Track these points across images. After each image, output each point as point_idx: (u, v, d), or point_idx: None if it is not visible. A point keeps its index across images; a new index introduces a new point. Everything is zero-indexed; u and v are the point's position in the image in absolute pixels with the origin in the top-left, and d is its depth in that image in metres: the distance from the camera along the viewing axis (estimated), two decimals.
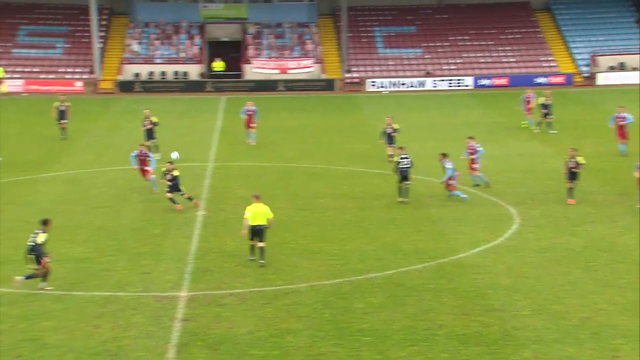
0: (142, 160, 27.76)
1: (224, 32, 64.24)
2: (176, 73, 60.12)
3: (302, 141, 38.81)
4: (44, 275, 18.43)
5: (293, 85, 58.80)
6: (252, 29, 62.97)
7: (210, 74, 60.64)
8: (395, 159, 26.93)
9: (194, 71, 60.39)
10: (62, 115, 37.77)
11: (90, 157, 34.55)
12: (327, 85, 59.20)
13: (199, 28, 63.53)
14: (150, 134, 33.43)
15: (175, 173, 25.25)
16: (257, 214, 20.40)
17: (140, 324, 16.82)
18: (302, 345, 15.92)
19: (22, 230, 23.22)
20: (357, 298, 18.36)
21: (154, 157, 28.74)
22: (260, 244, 20.45)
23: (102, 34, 61.72)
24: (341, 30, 61.39)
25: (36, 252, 18.26)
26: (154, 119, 33.48)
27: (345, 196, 27.83)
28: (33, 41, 61.49)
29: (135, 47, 61.41)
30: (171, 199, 25.41)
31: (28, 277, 18.31)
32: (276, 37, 62.57)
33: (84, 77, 58.78)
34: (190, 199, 25.65)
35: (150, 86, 58.61)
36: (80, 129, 41.43)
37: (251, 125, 36.84)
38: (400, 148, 27.43)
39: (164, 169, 25.94)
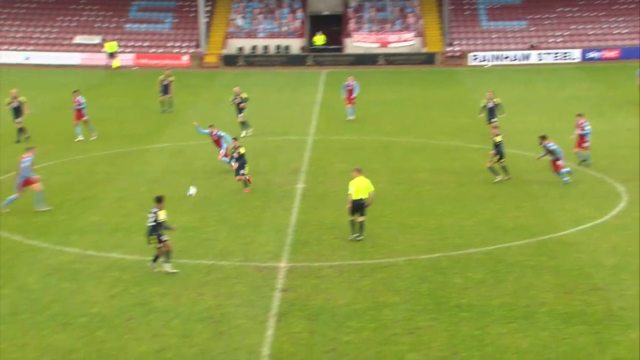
0: (216, 141, 27.46)
1: (326, 6, 64.11)
2: (278, 47, 60.52)
3: (402, 115, 38.46)
4: (167, 254, 18.01)
5: (393, 59, 58.26)
6: (353, 3, 62.63)
7: (311, 47, 60.75)
8: (497, 139, 25.72)
9: (295, 45, 60.65)
10: (165, 89, 38.60)
11: (195, 130, 35.27)
12: (428, 58, 58.37)
13: (301, 2, 63.65)
14: (239, 110, 33.56)
15: (242, 151, 24.72)
16: (360, 187, 20.11)
17: (242, 292, 17.14)
18: (400, 319, 15.86)
19: (132, 200, 24.08)
20: (456, 273, 18.13)
21: (242, 135, 28.67)
22: (361, 218, 20.36)
23: (208, 8, 62.69)
24: (443, 3, 60.27)
25: (158, 232, 17.84)
26: (244, 95, 33.67)
27: (444, 171, 27.46)
28: (144, 16, 63.14)
29: (239, 21, 62.15)
30: (240, 176, 24.78)
31: (155, 259, 18.06)
32: (377, 10, 62.04)
33: (190, 51, 59.97)
34: (246, 183, 24.84)
35: (253, 60, 59.27)
36: (186, 102, 42.33)
37: (351, 101, 36.72)
38: (495, 127, 26.67)
39: (231, 146, 25.50)
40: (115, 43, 57.83)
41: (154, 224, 17.80)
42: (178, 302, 16.59)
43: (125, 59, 58.37)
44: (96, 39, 60.38)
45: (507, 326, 15.44)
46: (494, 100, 32.13)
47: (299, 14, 62.45)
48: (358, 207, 20.19)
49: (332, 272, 18.30)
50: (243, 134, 32.69)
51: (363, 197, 20.20)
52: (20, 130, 32.21)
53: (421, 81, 50.56)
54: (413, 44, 59.48)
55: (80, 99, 32.64)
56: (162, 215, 17.82)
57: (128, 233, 20.85)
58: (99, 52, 58.68)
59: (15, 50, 58.43)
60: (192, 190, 23.76)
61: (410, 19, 60.94)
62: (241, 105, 33.28)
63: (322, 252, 19.63)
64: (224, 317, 15.95)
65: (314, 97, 44.38)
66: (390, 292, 17.16)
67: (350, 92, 36.72)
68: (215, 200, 24.14)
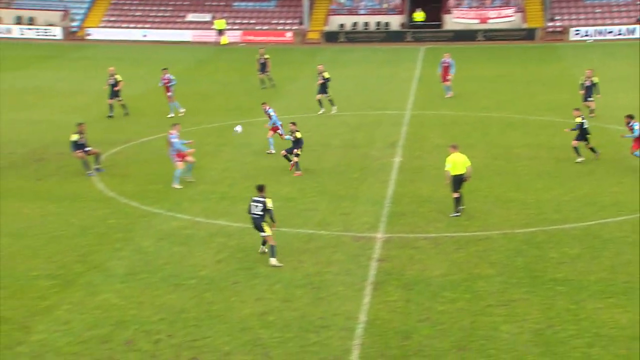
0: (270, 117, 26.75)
1: None
2: (378, 24, 60.11)
3: (499, 91, 37.63)
4: (272, 248, 17.14)
5: (492, 35, 56.90)
6: None
7: (410, 24, 60.03)
8: (577, 120, 24.71)
9: (395, 22, 60.08)
10: (263, 67, 38.71)
11: (297, 104, 35.61)
12: (528, 34, 56.70)
13: None
14: (323, 89, 33.42)
15: (298, 135, 24.05)
16: (457, 163, 19.86)
17: (340, 261, 17.32)
18: (494, 291, 15.69)
19: (237, 170, 24.61)
20: (552, 248, 17.75)
21: (325, 111, 28.38)
22: (456, 194, 20.00)
23: None
24: None
25: (263, 220, 17.09)
26: (326, 75, 33.43)
27: (541, 146, 26.77)
28: None
29: None
30: (285, 157, 24.31)
31: (272, 252, 17.13)
32: None
33: (294, 28, 60.33)
34: (297, 166, 23.87)
35: (354, 36, 59.09)
36: (288, 76, 42.74)
37: (447, 78, 36.11)
38: (577, 109, 25.57)
39: (288, 130, 24.86)
40: (223, 21, 58.75)
41: (262, 213, 17.07)
42: (280, 268, 16.92)
43: (232, 36, 59.30)
44: (206, 17, 61.58)
45: (605, 301, 15.05)
46: (592, 79, 30.92)
47: None
48: (457, 182, 19.95)
49: (427, 244, 18.24)
50: (334, 110, 32.78)
51: (461, 172, 19.96)
52: (112, 107, 32.30)
53: (520, 57, 49.21)
54: (513, 20, 57.88)
55: (170, 76, 32.96)
56: (269, 203, 17.16)
57: (233, 202, 21.35)
58: (209, 29, 59.86)
59: (134, 28, 60.33)
60: (238, 128, 24.83)
61: None
62: (323, 83, 33.14)
63: (418, 224, 19.57)
64: (323, 283, 16.18)
65: (412, 72, 43.94)
66: (485, 264, 16.98)
67: (446, 69, 36.05)
68: (316, 172, 24.35)
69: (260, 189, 17.44)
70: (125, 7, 62.61)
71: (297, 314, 14.84)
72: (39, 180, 23.10)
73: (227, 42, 57.80)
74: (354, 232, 19.08)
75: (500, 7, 58.62)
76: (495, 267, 16.82)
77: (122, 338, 13.91)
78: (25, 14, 60.82)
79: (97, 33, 59.40)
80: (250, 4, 63.12)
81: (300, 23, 60.64)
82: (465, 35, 56.93)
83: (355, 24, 60.31)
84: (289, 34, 59.42)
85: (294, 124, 24.45)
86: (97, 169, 24.10)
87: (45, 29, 59.27)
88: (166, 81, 33.05)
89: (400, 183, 23.11)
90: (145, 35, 59.43)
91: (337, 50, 54.13)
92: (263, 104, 27.32)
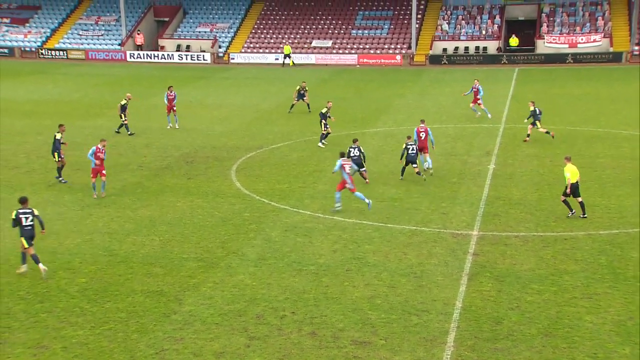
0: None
1: (521, 12, 61.20)
2: (477, 48, 58.66)
3: (586, 107, 35.83)
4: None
5: (581, 58, 54.34)
6: (547, 8, 59.18)
7: (506, 48, 58.27)
8: None
9: (492, 46, 58.46)
10: (301, 96, 36.61)
11: (404, 117, 35.26)
12: (614, 57, 53.77)
13: (500, 9, 61.23)
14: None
15: (356, 153, 22.11)
16: (574, 173, 18.98)
17: (439, 254, 16.97)
18: (579, 285, 14.92)
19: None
20: (634, 248, 16.71)
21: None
22: (579, 199, 19.16)
23: (419, 16, 62.22)
24: (632, 7, 55.09)
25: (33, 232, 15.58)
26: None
27: (625, 157, 25.27)
28: (366, 24, 63.89)
29: (445, 26, 60.98)
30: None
31: (29, 260, 15.72)
32: (568, 15, 58.10)
33: (402, 52, 59.82)
34: (364, 176, 22.82)
35: (455, 59, 57.95)
36: (397, 94, 42.41)
37: (477, 101, 33.42)
38: None
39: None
40: (289, 47, 59.35)
41: (32, 223, 15.48)
42: (386, 259, 16.77)
43: (349, 59, 59.51)
44: (328, 43, 62.06)
45: None
46: None
47: (497, 19, 60.13)
48: (575, 189, 19.01)
49: (517, 241, 17.58)
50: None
51: (577, 180, 19.02)
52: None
53: (606, 78, 46.70)
54: (600, 44, 55.05)
55: (174, 93, 31.84)
56: (36, 211, 15.44)
57: (348, 200, 21.34)
58: (331, 53, 60.32)
59: (269, 52, 61.62)
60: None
61: (600, 22, 56.39)
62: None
63: (509, 224, 18.90)
64: (424, 273, 15.89)
65: (506, 90, 42.57)
66: (570, 261, 16.18)
67: (476, 93, 33.98)
68: (419, 176, 23.99)
69: (23, 201, 15.78)
70: (262, 36, 64.11)
71: (401, 299, 14.64)
72: (189, 179, 23.93)
73: (293, 64, 58.43)
74: (452, 230, 18.66)
75: (589, 33, 55.89)
76: (579, 264, 16.00)
77: (254, 313, 14.16)
78: (183, 42, 63.44)
79: (239, 57, 61.08)
80: (366, 31, 63.14)
81: (409, 47, 60.06)
82: (555, 58, 54.66)
83: (456, 48, 59.13)
84: (398, 57, 58.97)
85: (355, 140, 22.93)
86: (58, 178, 22.80)
87: (198, 55, 61.54)
88: (171, 97, 31.36)
89: (494, 187, 22.41)
90: (277, 59, 60.58)
91: (440, 71, 53.23)
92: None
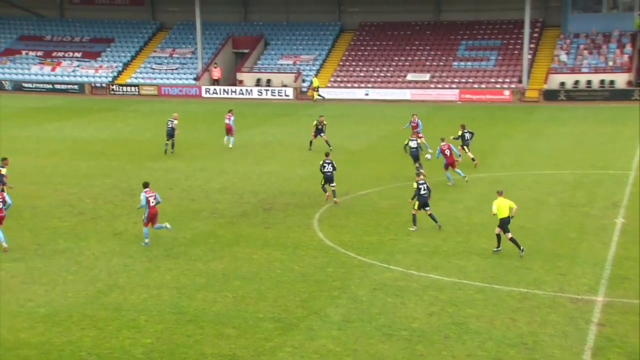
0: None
1: None
2: (602, 82, 57.28)
3: None
4: None
5: None
6: None
7: (637, 82, 56.54)
8: None
9: (620, 80, 56.92)
10: (319, 131, 37.15)
11: (512, 160, 34.68)
12: None
13: (631, 37, 59.73)
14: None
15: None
16: (503, 207, 20.40)
17: (556, 322, 16.39)
18: None
19: (450, 224, 24.25)
20: None
21: None
22: (509, 235, 20.23)
23: (532, 46, 61.57)
24: None
25: None
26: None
27: None
28: (470, 54, 63.84)
29: (563, 57, 60.01)
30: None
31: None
32: None
33: (512, 86, 59.20)
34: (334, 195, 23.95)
35: (574, 95, 56.78)
36: (504, 133, 41.84)
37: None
38: None
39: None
40: (315, 79, 61.41)
41: None
42: (492, 325, 16.35)
43: (449, 95, 59.43)
44: (425, 77, 62.31)
45: None
46: None
47: (627, 48, 58.59)
48: (504, 224, 20.60)
49: None
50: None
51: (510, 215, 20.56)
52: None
53: None
54: None
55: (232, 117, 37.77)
56: None
57: (446, 256, 21.07)
58: (428, 88, 60.50)
59: (357, 87, 62.49)
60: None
61: None
62: None
63: None
64: (537, 344, 15.37)
65: (637, 131, 41.15)
66: None
67: (415, 127, 36.35)
68: (531, 229, 23.44)
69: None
70: (350, 69, 65.11)
71: None
72: (267, 228, 24.29)
73: (317, 97, 60.11)
74: (571, 294, 18.01)
75: None
76: None
77: None
78: (264, 76, 65.32)
79: (323, 92, 62.16)
80: (470, 63, 63.01)
81: (519, 81, 59.37)
82: None
83: (576, 82, 57.97)
84: (506, 92, 58.38)
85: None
86: None
87: (280, 90, 63.14)
88: (228, 119, 37.98)
89: (623, 245, 21.55)
90: (367, 94, 61.27)
91: (557, 108, 52.22)
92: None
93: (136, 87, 65.55)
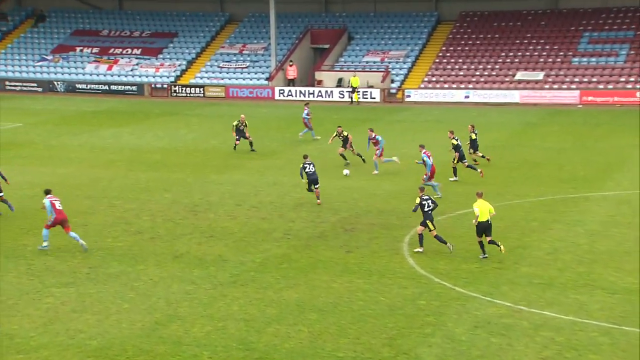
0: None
1: None
2: None
3: None
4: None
5: None
6: None
7: None
8: None
9: None
10: (344, 142, 36.45)
11: None
12: None
13: None
14: None
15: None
16: (485, 210, 22.42)
17: None
18: None
19: (568, 252, 23.72)
20: None
21: None
22: (489, 238, 22.04)
23: None
24: None
25: None
26: None
27: None
28: (594, 48, 62.44)
29: None
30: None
31: None
32: None
33: None
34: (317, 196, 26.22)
35: None
36: (636, 144, 40.70)
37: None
38: None
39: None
40: (358, 78, 62.12)
41: None
42: None
43: (568, 97, 58.32)
44: (539, 75, 61.34)
45: None
46: None
47: None
48: (487, 228, 22.66)
49: None
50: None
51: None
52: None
53: None
54: None
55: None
56: None
57: (563, 289, 20.59)
58: (541, 89, 59.54)
59: (456, 88, 62.05)
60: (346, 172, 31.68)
61: None
62: None
63: None
64: None
65: None
66: None
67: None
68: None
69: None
70: (449, 67, 64.69)
71: None
72: (349, 252, 24.28)
73: (357, 99, 61.73)
74: None
75: None
76: None
77: None
78: (346, 76, 65.53)
79: (416, 94, 62.02)
80: (593, 59, 61.65)
81: None
82: None
83: None
84: (639, 94, 56.78)
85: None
86: None
87: (364, 91, 63.30)
88: (306, 114, 42.28)
89: None
90: (467, 97, 60.73)
91: None
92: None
93: (201, 88, 67.00)
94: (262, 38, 71.62)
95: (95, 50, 73.98)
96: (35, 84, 70.46)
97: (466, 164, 33.44)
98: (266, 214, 28.94)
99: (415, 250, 24.04)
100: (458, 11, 69.55)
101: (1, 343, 17.72)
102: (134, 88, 68.66)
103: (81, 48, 74.44)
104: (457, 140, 33.55)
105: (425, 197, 24.10)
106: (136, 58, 72.27)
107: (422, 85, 63.23)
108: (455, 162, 33.49)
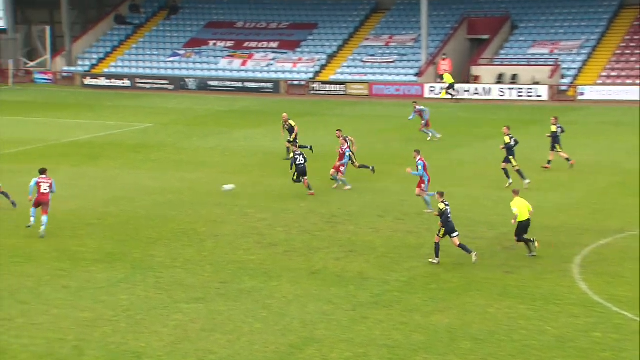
0: None
1: None
2: None
3: None
4: None
5: None
6: None
7: None
8: None
9: None
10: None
11: None
12: None
13: None
14: None
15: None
16: (525, 208, 24.40)
17: None
18: None
19: None
20: None
21: None
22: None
23: None
24: None
25: None
26: None
27: None
28: None
29: None
30: None
31: None
32: None
33: None
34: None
35: None
36: None
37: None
38: None
39: None
40: (449, 75, 61.40)
41: None
42: None
43: None
44: None
45: None
46: None
47: None
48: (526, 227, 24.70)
49: None
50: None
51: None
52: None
53: None
54: None
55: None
56: None
57: None
58: None
59: (631, 84, 59.90)
60: (228, 187, 33.25)
61: None
62: None
63: None
64: None
65: None
66: None
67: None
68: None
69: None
70: (632, 59, 62.60)
71: None
72: (508, 273, 23.92)
73: (444, 95, 62.45)
74: None
75: None
76: None
77: None
78: (508, 71, 64.57)
79: (591, 92, 60.37)
80: None
81: None
82: None
83: None
84: None
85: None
86: None
87: (529, 88, 62.13)
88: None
89: None
90: None
91: None
92: None
93: (342, 85, 67.55)
94: (411, 29, 71.52)
95: (229, 44, 75.78)
96: (166, 81, 72.68)
97: (503, 166, 33.74)
98: (412, 227, 28.86)
99: (431, 260, 24.70)
100: None
101: None
102: (270, 85, 69.92)
103: (215, 42, 76.44)
104: (511, 138, 33.80)
105: (446, 203, 24.90)
106: (272, 52, 73.56)
107: (600, 81, 61.52)
108: (514, 165, 33.60)
